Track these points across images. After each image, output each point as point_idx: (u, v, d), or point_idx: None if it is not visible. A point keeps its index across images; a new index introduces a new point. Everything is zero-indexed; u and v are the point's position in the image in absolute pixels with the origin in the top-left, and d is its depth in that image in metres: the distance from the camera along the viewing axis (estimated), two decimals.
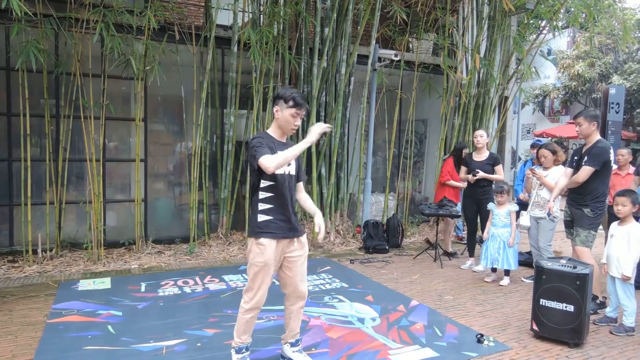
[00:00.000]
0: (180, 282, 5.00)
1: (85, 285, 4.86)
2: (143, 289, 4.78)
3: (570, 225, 4.51)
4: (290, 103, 2.84)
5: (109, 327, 3.78)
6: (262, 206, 2.85)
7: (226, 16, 6.54)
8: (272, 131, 2.95)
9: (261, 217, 2.85)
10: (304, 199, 3.10)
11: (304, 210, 7.08)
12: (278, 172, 2.79)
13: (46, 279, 5.07)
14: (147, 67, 5.86)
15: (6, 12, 4.86)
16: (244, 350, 2.99)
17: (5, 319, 3.91)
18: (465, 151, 6.53)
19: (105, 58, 5.77)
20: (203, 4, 6.86)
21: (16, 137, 5.66)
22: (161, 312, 4.13)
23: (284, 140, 2.97)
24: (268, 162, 2.64)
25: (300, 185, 3.09)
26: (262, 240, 2.82)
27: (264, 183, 2.84)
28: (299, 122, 2.90)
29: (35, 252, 5.57)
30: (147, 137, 6.57)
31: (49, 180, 5.70)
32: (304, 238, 3.04)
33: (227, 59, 6.76)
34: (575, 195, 4.37)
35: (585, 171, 4.20)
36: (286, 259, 2.96)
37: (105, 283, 4.95)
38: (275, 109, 2.90)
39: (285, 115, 2.86)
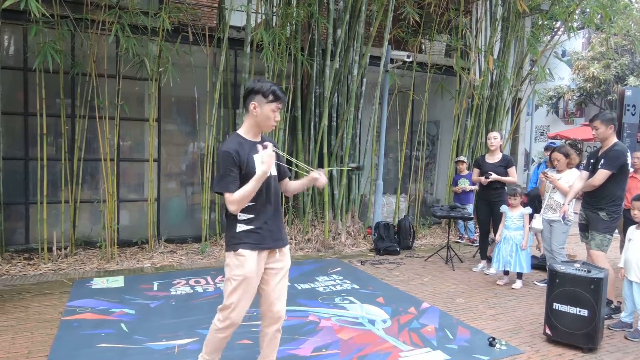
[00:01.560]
0: (192, 282, 5.04)
1: (99, 283, 4.92)
2: (155, 287, 4.83)
3: (585, 228, 4.46)
4: (270, 97, 2.53)
5: (122, 325, 3.82)
6: (241, 216, 2.55)
7: (239, 17, 6.57)
8: (245, 131, 2.62)
9: (240, 227, 2.55)
10: (290, 188, 2.82)
11: (315, 212, 7.10)
12: None
13: (61, 276, 5.14)
14: (161, 68, 5.92)
15: (24, 14, 4.94)
16: None
17: (22, 316, 3.98)
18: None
19: (120, 59, 5.84)
20: (216, 6, 6.91)
21: (33, 136, 5.75)
22: (173, 311, 4.16)
23: (259, 139, 2.65)
24: (231, 206, 2.46)
25: (284, 181, 2.81)
26: (242, 251, 2.52)
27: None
28: (278, 117, 2.62)
29: (50, 250, 5.65)
30: (161, 137, 6.63)
31: (64, 179, 5.78)
32: (286, 249, 2.73)
33: (239, 60, 6.80)
34: (591, 199, 4.32)
35: (602, 174, 4.15)
36: (265, 271, 2.65)
37: (118, 281, 5.00)
38: (252, 106, 2.55)
39: (265, 112, 2.55)
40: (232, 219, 2.58)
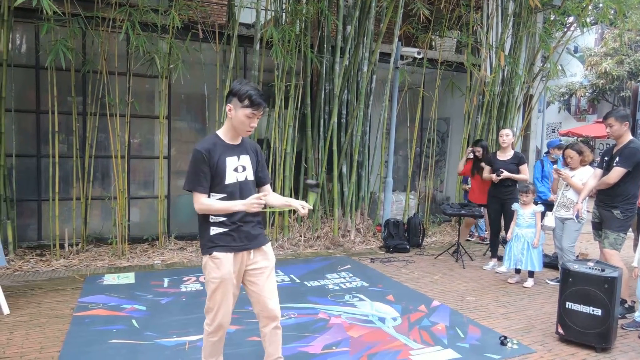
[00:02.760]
0: (202, 278, 5.05)
1: (110, 279, 4.96)
2: (166, 284, 4.85)
3: (599, 227, 4.40)
4: (246, 102, 2.41)
5: (133, 321, 3.84)
6: (214, 218, 2.50)
7: (249, 14, 6.57)
8: (223, 132, 2.54)
9: (214, 230, 2.50)
10: (271, 200, 2.68)
11: (325, 209, 7.09)
12: (229, 181, 2.48)
13: (72, 272, 5.19)
14: (171, 66, 5.94)
15: (36, 12, 4.97)
16: None
17: (35, 312, 4.02)
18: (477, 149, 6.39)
19: (131, 56, 5.87)
20: (226, 3, 6.90)
21: (44, 134, 5.80)
22: (183, 308, 4.18)
23: (238, 142, 2.57)
24: (196, 205, 2.46)
25: (266, 187, 2.73)
26: (217, 253, 2.48)
27: (214, 196, 2.49)
28: (255, 124, 2.50)
29: (62, 246, 5.70)
30: (171, 135, 6.66)
31: (75, 176, 5.82)
32: (267, 247, 2.67)
33: (249, 57, 6.80)
34: (605, 197, 4.26)
35: (617, 172, 4.09)
36: (248, 272, 2.61)
37: (129, 278, 5.04)
38: (227, 108, 2.47)
39: (239, 116, 2.44)
40: (204, 222, 2.54)
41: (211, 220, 2.51)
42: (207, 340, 2.65)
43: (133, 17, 5.42)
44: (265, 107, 2.49)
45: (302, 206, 2.55)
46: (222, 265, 2.49)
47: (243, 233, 2.55)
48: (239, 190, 2.53)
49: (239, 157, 2.55)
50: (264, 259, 2.64)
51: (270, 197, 2.69)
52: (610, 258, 4.10)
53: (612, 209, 4.17)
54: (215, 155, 2.46)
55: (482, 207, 6.26)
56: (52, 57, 5.12)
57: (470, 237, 7.63)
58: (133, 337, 3.52)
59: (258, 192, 2.68)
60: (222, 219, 2.50)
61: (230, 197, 2.50)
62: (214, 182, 2.48)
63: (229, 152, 2.51)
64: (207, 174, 2.45)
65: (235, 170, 2.52)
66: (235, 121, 2.48)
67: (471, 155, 6.56)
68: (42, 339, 3.49)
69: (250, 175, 2.59)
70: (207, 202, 2.46)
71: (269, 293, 2.62)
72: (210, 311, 2.57)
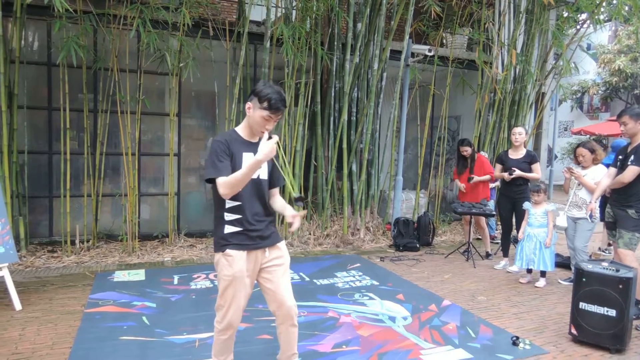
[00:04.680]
0: (211, 276, 5.06)
1: (120, 276, 4.98)
2: (176, 281, 4.86)
3: (613, 227, 4.34)
4: (265, 104, 2.42)
5: (144, 318, 3.85)
6: (228, 216, 2.52)
7: (259, 12, 6.55)
8: (241, 129, 2.58)
9: (228, 229, 2.52)
10: (274, 202, 2.71)
11: (334, 207, 7.07)
12: None
13: (83, 269, 5.22)
14: (182, 63, 5.94)
15: (48, 9, 5.00)
16: None
17: (46, 308, 4.05)
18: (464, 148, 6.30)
19: (142, 54, 5.88)
20: (236, 0, 6.90)
21: (56, 131, 5.83)
22: (193, 305, 4.19)
23: (256, 140, 2.56)
24: (222, 189, 2.37)
25: (275, 190, 2.73)
26: (229, 251, 2.51)
27: None
28: (270, 126, 2.47)
29: (73, 242, 5.74)
30: (181, 132, 6.67)
31: (86, 173, 5.86)
32: (281, 245, 2.69)
33: (259, 55, 6.79)
34: (619, 196, 4.20)
35: (632, 171, 4.03)
36: (263, 269, 2.63)
37: (139, 275, 5.06)
38: (247, 106, 2.49)
39: (255, 116, 2.46)
40: (219, 220, 2.56)
41: (226, 219, 2.53)
42: (217, 338, 2.65)
43: (144, 14, 5.42)
44: (283, 111, 2.49)
45: (292, 216, 2.55)
46: (234, 263, 2.50)
47: (256, 232, 2.55)
48: (253, 187, 2.53)
49: (255, 155, 2.47)
50: (279, 257, 2.65)
51: (277, 202, 2.72)
52: (625, 258, 4.04)
53: (627, 208, 4.11)
54: (232, 148, 2.48)
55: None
56: (64, 55, 5.14)
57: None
58: (143, 334, 3.53)
59: (268, 193, 2.69)
60: (236, 216, 2.51)
61: (245, 193, 2.49)
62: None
63: (246, 148, 2.52)
64: (228, 161, 2.43)
65: None
66: (252, 120, 2.50)
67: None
68: (53, 335, 3.51)
69: (264, 174, 2.59)
70: (229, 180, 2.36)
71: (284, 290, 2.63)
72: (221, 308, 2.58)
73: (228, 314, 2.56)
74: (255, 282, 2.67)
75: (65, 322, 3.74)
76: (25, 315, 3.87)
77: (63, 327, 3.65)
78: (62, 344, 3.36)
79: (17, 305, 3.99)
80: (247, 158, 2.46)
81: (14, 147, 5.39)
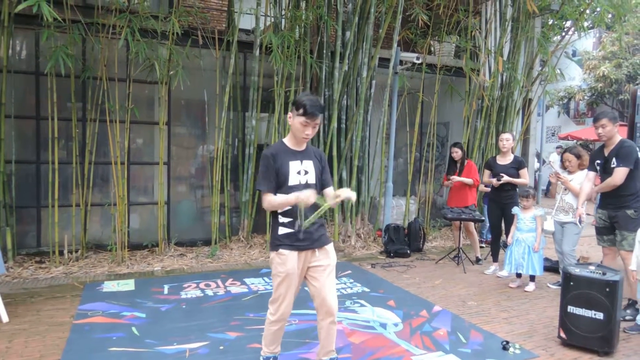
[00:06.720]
0: (202, 285, 5.03)
1: (109, 286, 4.93)
2: (166, 291, 4.83)
3: (604, 231, 4.37)
4: (300, 111, 2.68)
5: (133, 328, 3.82)
6: (282, 219, 2.79)
7: (248, 20, 6.59)
8: (288, 139, 2.86)
9: (282, 230, 2.79)
10: (327, 196, 2.86)
11: (325, 214, 7.07)
12: (292, 183, 2.75)
13: (72, 280, 5.16)
14: (171, 72, 5.94)
15: (36, 18, 4.98)
16: (271, 359, 2.98)
17: (34, 319, 3.99)
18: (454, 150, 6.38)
19: (131, 63, 5.87)
20: (226, 9, 6.93)
21: (44, 140, 5.79)
22: (184, 315, 4.16)
23: (302, 148, 2.85)
24: (263, 203, 2.77)
25: (327, 190, 2.91)
26: (282, 250, 2.77)
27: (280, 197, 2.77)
28: (310, 132, 2.74)
29: (61, 253, 5.68)
30: (171, 141, 6.65)
31: (75, 182, 5.81)
32: (329, 247, 2.92)
33: (249, 63, 6.81)
34: (613, 199, 4.24)
35: (622, 172, 4.09)
36: (311, 269, 2.87)
37: (129, 285, 5.01)
38: (288, 115, 2.80)
39: (295, 123, 2.74)
40: (275, 222, 2.83)
41: (280, 221, 2.80)
42: (269, 329, 2.90)
43: (133, 23, 5.42)
44: (318, 116, 2.70)
45: (337, 195, 2.68)
46: (287, 261, 2.76)
47: (307, 234, 2.78)
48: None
49: (301, 162, 2.81)
50: (325, 258, 2.88)
51: (326, 192, 2.93)
52: (629, 260, 4.06)
53: (625, 208, 4.15)
54: (280, 159, 2.76)
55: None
56: (52, 64, 5.12)
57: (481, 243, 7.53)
58: (133, 345, 3.50)
59: (321, 194, 2.86)
60: (290, 219, 2.76)
61: None
62: (279, 183, 2.76)
63: (292, 156, 2.80)
64: (273, 175, 2.74)
65: (298, 173, 2.79)
66: (293, 127, 2.77)
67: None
68: (41, 347, 3.46)
69: (312, 179, 2.83)
70: (269, 199, 2.74)
71: (329, 290, 2.86)
72: (275, 302, 2.84)
73: (282, 307, 2.82)
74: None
75: (53, 334, 3.70)
76: (13, 328, 3.81)
77: (51, 339, 3.60)
78: (51, 356, 3.32)
79: (4, 317, 3.93)
80: (294, 166, 2.78)
81: (1, 157, 5.34)
